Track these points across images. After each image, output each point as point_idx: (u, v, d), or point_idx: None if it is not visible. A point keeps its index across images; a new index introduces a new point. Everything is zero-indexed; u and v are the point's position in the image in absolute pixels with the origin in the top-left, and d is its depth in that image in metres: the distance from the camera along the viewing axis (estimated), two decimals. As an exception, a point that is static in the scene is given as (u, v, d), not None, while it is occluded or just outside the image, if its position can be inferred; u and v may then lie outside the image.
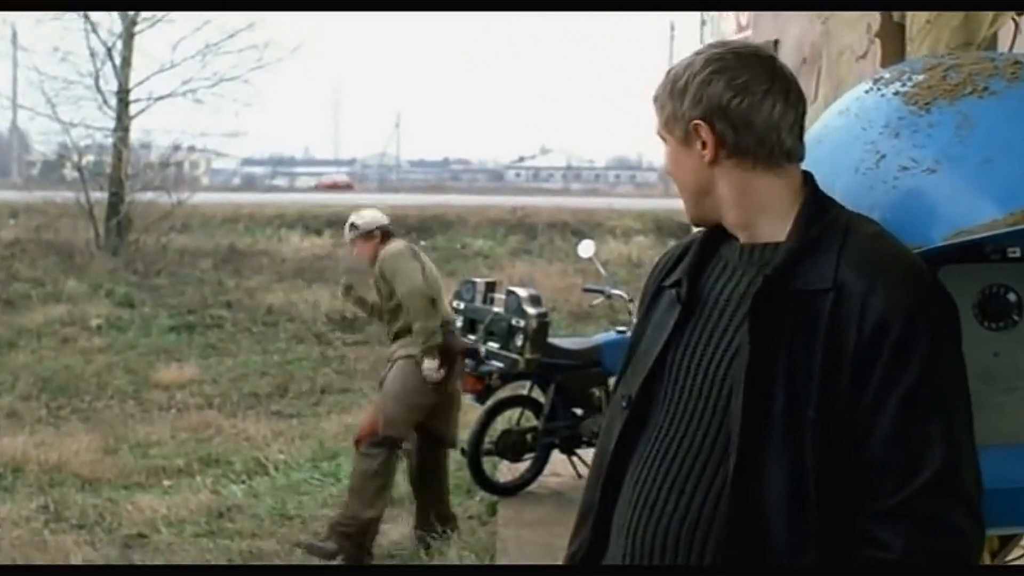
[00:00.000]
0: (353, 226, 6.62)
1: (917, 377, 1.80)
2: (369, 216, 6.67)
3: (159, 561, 6.43)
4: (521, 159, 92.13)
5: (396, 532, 6.75)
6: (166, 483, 8.13)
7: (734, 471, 1.85)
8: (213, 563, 6.30)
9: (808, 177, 1.99)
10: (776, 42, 5.20)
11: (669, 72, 2.02)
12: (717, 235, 2.05)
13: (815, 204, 1.94)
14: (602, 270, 8.33)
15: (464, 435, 7.37)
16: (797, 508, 1.82)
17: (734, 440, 1.85)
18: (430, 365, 6.34)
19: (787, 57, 4.95)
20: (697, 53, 2.00)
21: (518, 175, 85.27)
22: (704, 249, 2.06)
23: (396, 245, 6.56)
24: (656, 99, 2.03)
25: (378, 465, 6.29)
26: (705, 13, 7.95)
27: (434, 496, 6.65)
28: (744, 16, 6.23)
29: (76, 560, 6.35)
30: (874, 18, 3.21)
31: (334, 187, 52.26)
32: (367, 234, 6.58)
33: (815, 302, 1.85)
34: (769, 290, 1.88)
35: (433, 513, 6.58)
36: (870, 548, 1.80)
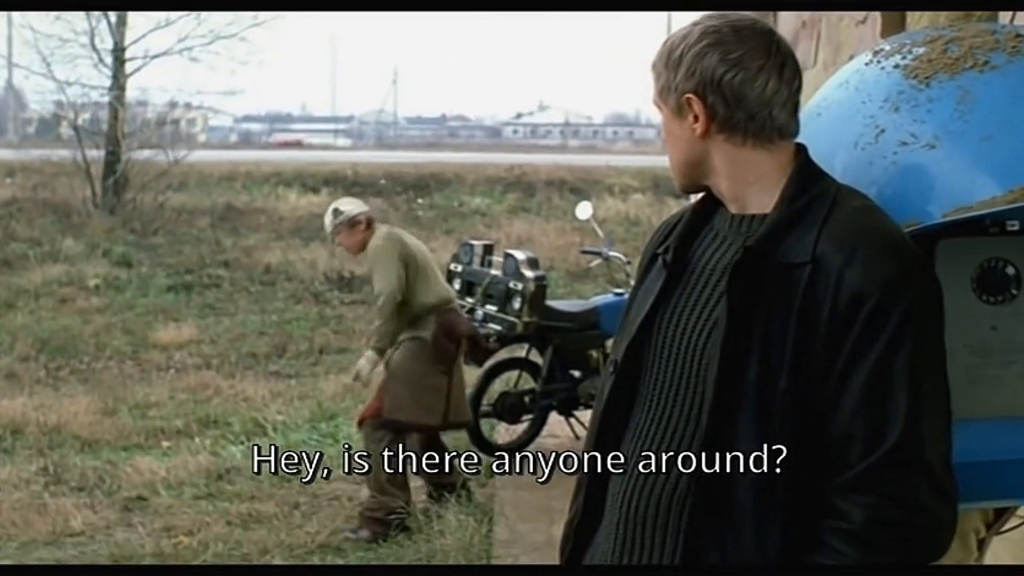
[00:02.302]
0: (337, 212, 6.45)
1: (887, 349, 1.80)
2: (351, 204, 6.59)
3: (159, 523, 6.46)
4: (519, 116, 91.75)
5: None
6: (165, 444, 8.15)
7: (705, 440, 1.87)
8: (212, 528, 6.32)
9: (800, 149, 1.99)
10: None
11: (666, 41, 2.02)
12: (711, 203, 2.06)
13: (802, 177, 1.94)
14: (599, 231, 8.33)
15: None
16: (765, 480, 1.84)
17: (706, 410, 1.88)
18: (367, 363, 6.37)
19: (786, 21, 4.91)
20: (695, 24, 1.99)
21: (516, 132, 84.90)
22: (697, 217, 2.07)
23: (379, 237, 6.41)
24: (653, 67, 2.04)
25: (384, 450, 6.24)
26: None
27: (436, 467, 6.63)
28: (743, -24, 6.18)
29: (76, 523, 6.38)
30: (874, -15, 3.19)
31: (286, 145, 54.79)
32: (352, 223, 6.43)
33: (793, 275, 1.86)
34: (749, 262, 1.89)
35: (438, 482, 6.59)
36: (832, 519, 1.82)
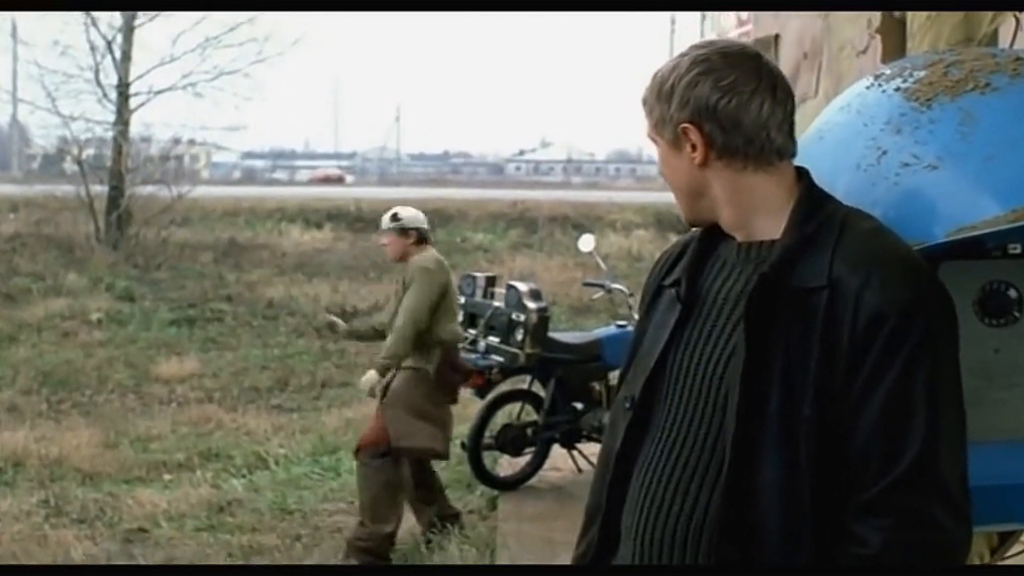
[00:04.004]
0: (395, 217, 6.45)
1: (905, 371, 1.79)
2: (412, 213, 6.52)
3: (160, 555, 6.43)
4: (521, 152, 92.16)
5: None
6: (167, 477, 8.14)
7: (728, 470, 1.85)
8: (213, 559, 6.30)
9: (802, 173, 1.98)
10: (777, 37, 5.18)
11: (655, 75, 2.01)
12: (715, 233, 2.05)
13: (810, 200, 1.94)
14: (602, 264, 8.33)
15: (464, 430, 7.38)
16: (790, 506, 1.82)
17: (729, 440, 1.86)
18: (370, 379, 6.36)
19: (788, 52, 4.94)
20: (683, 55, 1.99)
21: (518, 168, 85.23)
22: (702, 247, 2.06)
23: (429, 256, 6.41)
24: (644, 102, 2.03)
25: (387, 478, 6.24)
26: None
27: (431, 497, 6.60)
28: (744, 12, 6.22)
29: (77, 555, 6.35)
30: (875, 14, 3.21)
31: (327, 180, 52.22)
32: (404, 231, 6.43)
33: (810, 299, 1.85)
34: (765, 289, 1.88)
35: (434, 512, 6.55)
36: (850, 544, 1.80)
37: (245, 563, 6.26)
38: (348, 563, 6.19)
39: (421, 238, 6.47)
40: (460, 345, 6.78)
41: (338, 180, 53.80)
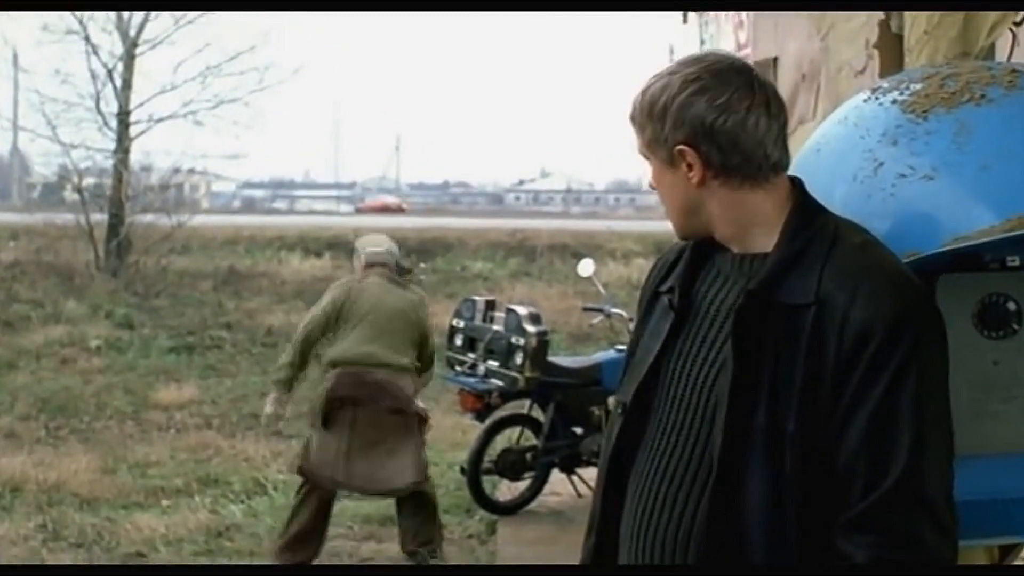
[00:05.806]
0: (355, 254, 6.59)
1: (891, 387, 1.79)
2: (366, 249, 6.50)
3: (157, 580, 6.42)
4: (521, 182, 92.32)
5: (394, 550, 6.72)
6: (165, 503, 8.10)
7: (713, 485, 1.85)
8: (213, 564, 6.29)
9: (796, 183, 1.97)
10: (775, 59, 5.21)
11: (644, 92, 1.96)
12: (710, 241, 2.03)
13: (802, 214, 1.93)
14: (602, 290, 8.33)
15: (463, 454, 7.36)
16: (776, 522, 1.82)
17: (715, 455, 1.86)
18: (269, 402, 6.46)
19: (786, 74, 4.96)
20: (671, 72, 1.94)
21: (518, 198, 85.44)
22: (697, 255, 2.04)
23: (343, 279, 6.50)
24: (633, 119, 1.99)
25: (297, 502, 6.30)
26: (704, 34, 7.97)
27: (419, 521, 6.43)
28: (743, 35, 6.26)
29: (75, 579, 6.33)
30: (872, 31, 3.23)
31: (385, 210, 45.36)
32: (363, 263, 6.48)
33: (798, 316, 1.84)
34: (753, 305, 1.87)
35: (419, 537, 6.39)
36: (836, 561, 1.80)
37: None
38: None
39: (368, 266, 6.40)
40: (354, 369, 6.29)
41: (398, 210, 45.86)
